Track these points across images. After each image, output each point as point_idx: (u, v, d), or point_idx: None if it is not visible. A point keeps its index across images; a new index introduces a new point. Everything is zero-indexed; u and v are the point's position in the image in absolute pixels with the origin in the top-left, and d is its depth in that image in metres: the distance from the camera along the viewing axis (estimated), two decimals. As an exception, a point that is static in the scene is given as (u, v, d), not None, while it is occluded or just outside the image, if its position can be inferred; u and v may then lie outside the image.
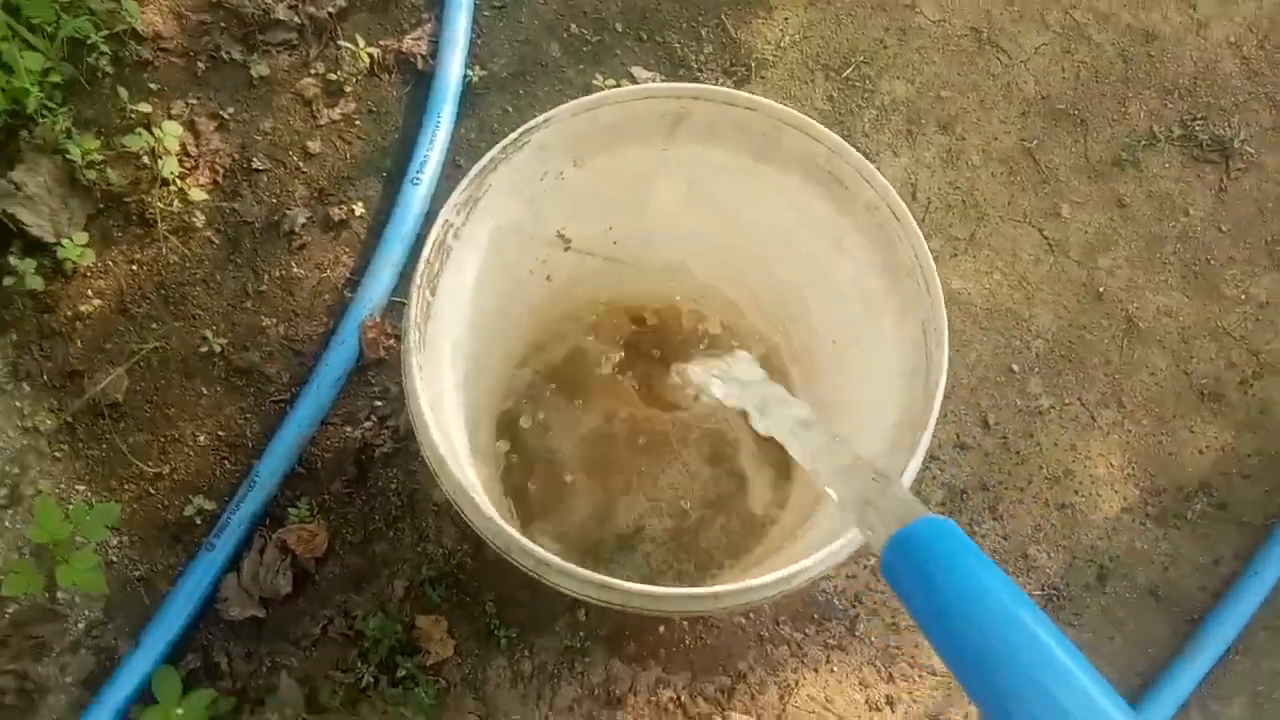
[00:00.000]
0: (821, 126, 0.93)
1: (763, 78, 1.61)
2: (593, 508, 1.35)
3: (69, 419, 1.40)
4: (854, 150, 0.93)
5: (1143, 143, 1.63)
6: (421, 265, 0.87)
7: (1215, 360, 1.54)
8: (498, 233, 1.02)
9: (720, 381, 1.03)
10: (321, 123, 1.53)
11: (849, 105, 1.62)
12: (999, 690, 0.56)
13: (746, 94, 0.93)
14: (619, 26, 1.63)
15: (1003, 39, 1.67)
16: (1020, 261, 1.56)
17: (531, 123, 0.91)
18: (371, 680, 1.31)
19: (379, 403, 1.44)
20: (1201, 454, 1.50)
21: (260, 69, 1.55)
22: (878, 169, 1.54)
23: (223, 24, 1.57)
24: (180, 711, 1.25)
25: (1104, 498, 1.47)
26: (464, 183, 0.89)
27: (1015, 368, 1.51)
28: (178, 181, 1.47)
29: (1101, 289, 1.56)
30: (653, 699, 1.34)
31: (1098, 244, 1.58)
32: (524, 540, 0.82)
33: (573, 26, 1.63)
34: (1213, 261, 1.58)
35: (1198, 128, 1.64)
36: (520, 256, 1.13)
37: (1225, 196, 1.61)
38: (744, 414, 0.99)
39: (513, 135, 0.91)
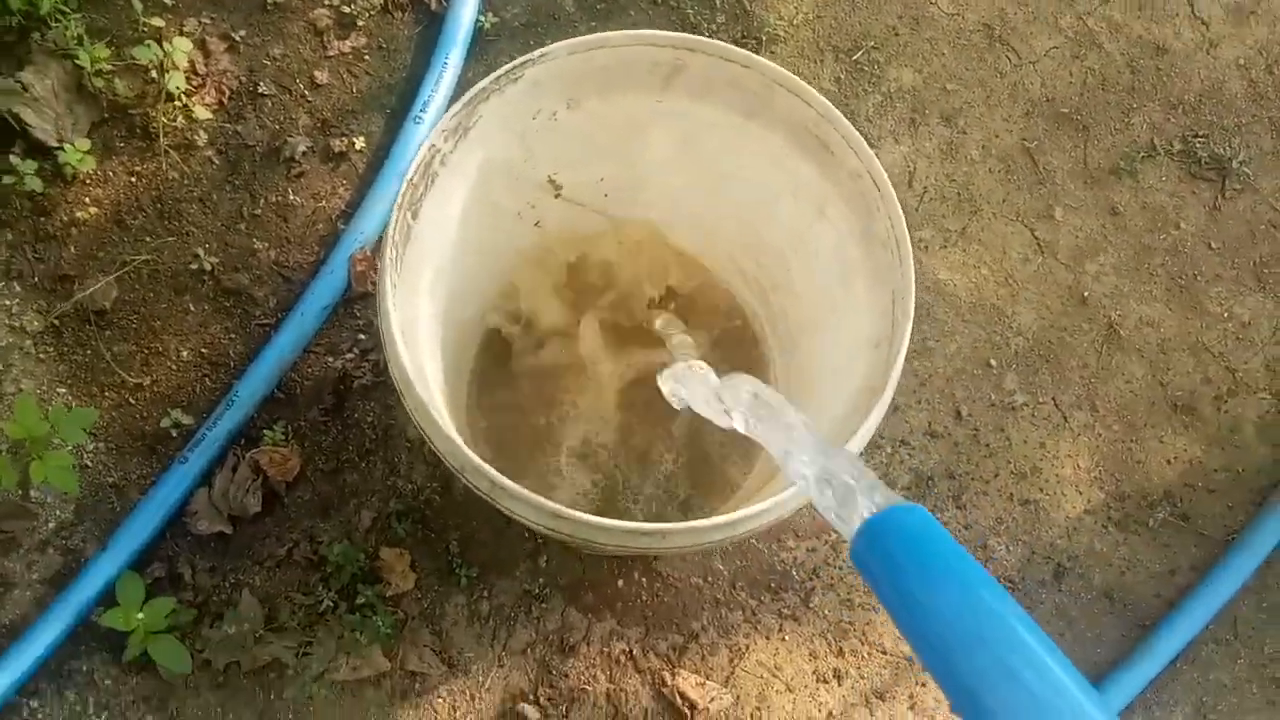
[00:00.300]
0: (813, 90, 0.95)
1: (772, 52, 1.62)
2: (567, 459, 1.36)
3: (56, 322, 1.41)
4: (842, 117, 0.94)
5: (1142, 154, 1.64)
6: (404, 186, 0.88)
7: (1192, 374, 1.55)
8: (487, 167, 1.03)
9: (690, 390, 1.01)
10: (331, 54, 1.55)
11: (855, 88, 1.63)
12: (968, 677, 0.56)
13: (743, 50, 0.95)
14: (636, -11, 1.64)
15: (1014, 38, 1.68)
16: (1009, 259, 1.58)
17: (527, 56, 0.92)
18: (331, 605, 1.33)
19: (362, 336, 1.45)
20: (1169, 464, 1.52)
21: (276, -6, 1.56)
22: (877, 155, 1.56)
23: (243, -52, 1.58)
24: (141, 616, 1.26)
25: (1068, 497, 1.49)
26: (454, 108, 0.90)
27: (993, 362, 1.53)
28: (183, 98, 1.48)
29: (1086, 293, 1.57)
30: (605, 650, 1.37)
31: (1087, 249, 1.59)
32: (479, 461, 0.84)
33: (590, -16, 1.64)
34: (1199, 277, 1.60)
35: (1198, 144, 1.65)
36: (509, 198, 1.15)
37: (1218, 215, 1.63)
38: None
39: (507, 66, 0.92)
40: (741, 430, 0.86)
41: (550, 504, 0.83)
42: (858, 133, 0.94)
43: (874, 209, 0.96)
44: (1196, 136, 1.66)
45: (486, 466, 0.84)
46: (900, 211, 0.92)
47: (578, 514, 0.83)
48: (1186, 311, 1.58)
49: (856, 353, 1.01)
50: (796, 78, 0.94)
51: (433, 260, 1.01)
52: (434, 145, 0.91)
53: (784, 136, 1.02)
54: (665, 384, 1.05)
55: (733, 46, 0.95)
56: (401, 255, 0.91)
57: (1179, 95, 1.68)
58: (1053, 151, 1.63)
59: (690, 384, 0.99)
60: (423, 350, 1.03)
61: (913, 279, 0.91)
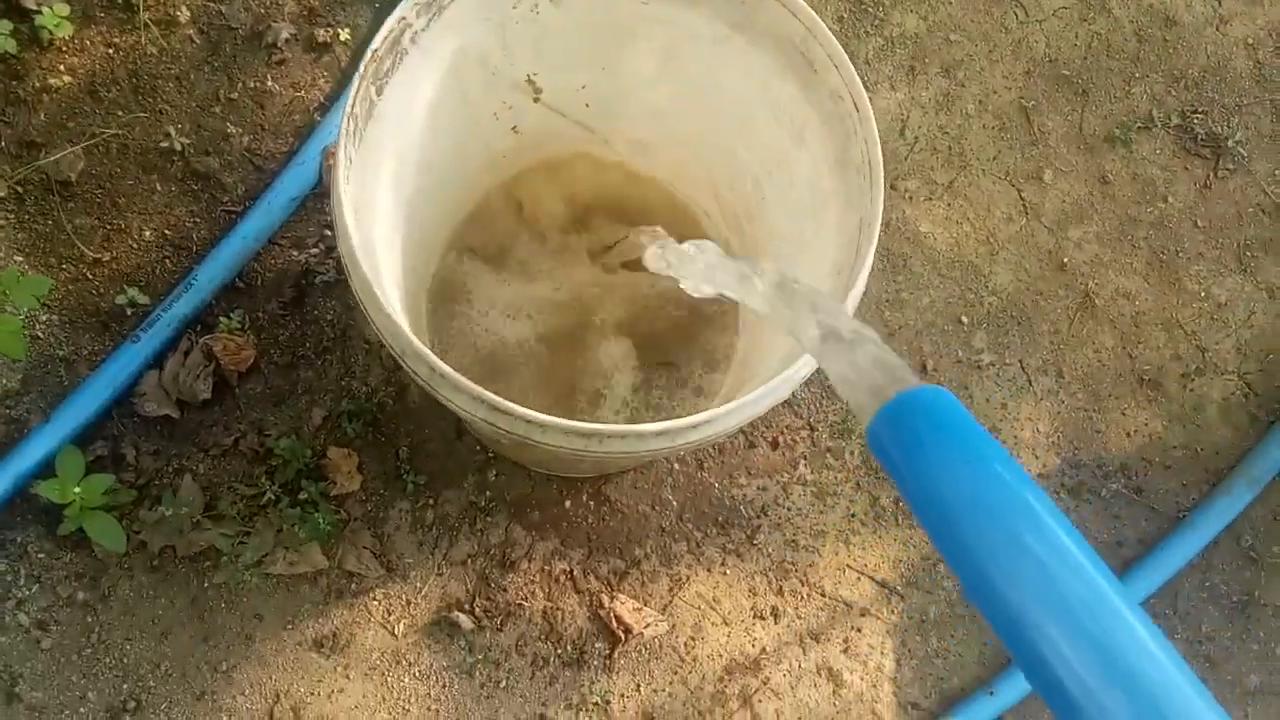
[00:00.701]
0: (802, 2, 0.92)
1: (775, -16, 1.58)
2: (539, 375, 1.34)
3: (18, 188, 1.38)
4: (829, 33, 0.91)
5: (1139, 124, 1.62)
6: (368, 57, 0.85)
7: (1162, 350, 1.54)
8: (461, 56, 1.00)
9: (690, 263, 0.98)
10: (323, -59, 1.50)
11: (857, 29, 1.60)
12: (992, 566, 0.54)
13: (731, -45, 0.92)
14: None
15: (1023, -6, 1.65)
16: (992, 218, 1.56)
17: (509, -62, 0.89)
18: (273, 499, 1.32)
19: (328, 231, 1.42)
20: (1129, 437, 1.51)
21: (272, -124, 1.51)
22: (872, 100, 1.53)
23: None
24: (78, 490, 1.25)
25: (1023, 460, 1.48)
26: (428, -19, 0.87)
27: (964, 319, 1.51)
28: (167, -29, 1.44)
29: (1066, 260, 1.55)
30: (546, 568, 1.36)
31: (1072, 215, 1.57)
32: (420, 346, 0.82)
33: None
34: (1181, 254, 1.58)
35: (1196, 120, 1.63)
36: (485, 96, 1.12)
37: (1208, 193, 1.61)
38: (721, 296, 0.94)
39: (487, -55, 0.89)
40: (760, 306, 0.82)
41: (489, 395, 0.82)
42: (842, 50, 0.91)
43: (851, 133, 0.94)
44: (1196, 112, 1.64)
45: (427, 351, 0.82)
46: (876, 135, 0.90)
47: (514, 407, 0.81)
48: (1164, 287, 1.57)
49: (822, 280, 0.99)
50: (784, -13, 0.92)
51: (396, 146, 0.98)
52: (404, 18, 0.88)
53: (769, 52, 1.00)
54: (658, 258, 1.01)
55: (722, -52, 0.92)
56: (361, 130, 0.88)
57: (1183, 69, 1.65)
58: (1049, 113, 1.61)
59: (699, 260, 0.94)
60: (378, 239, 1.00)
61: (881, 204, 0.89)
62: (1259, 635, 1.46)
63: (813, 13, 0.91)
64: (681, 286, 0.98)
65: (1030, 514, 0.54)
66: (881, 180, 0.89)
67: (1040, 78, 1.62)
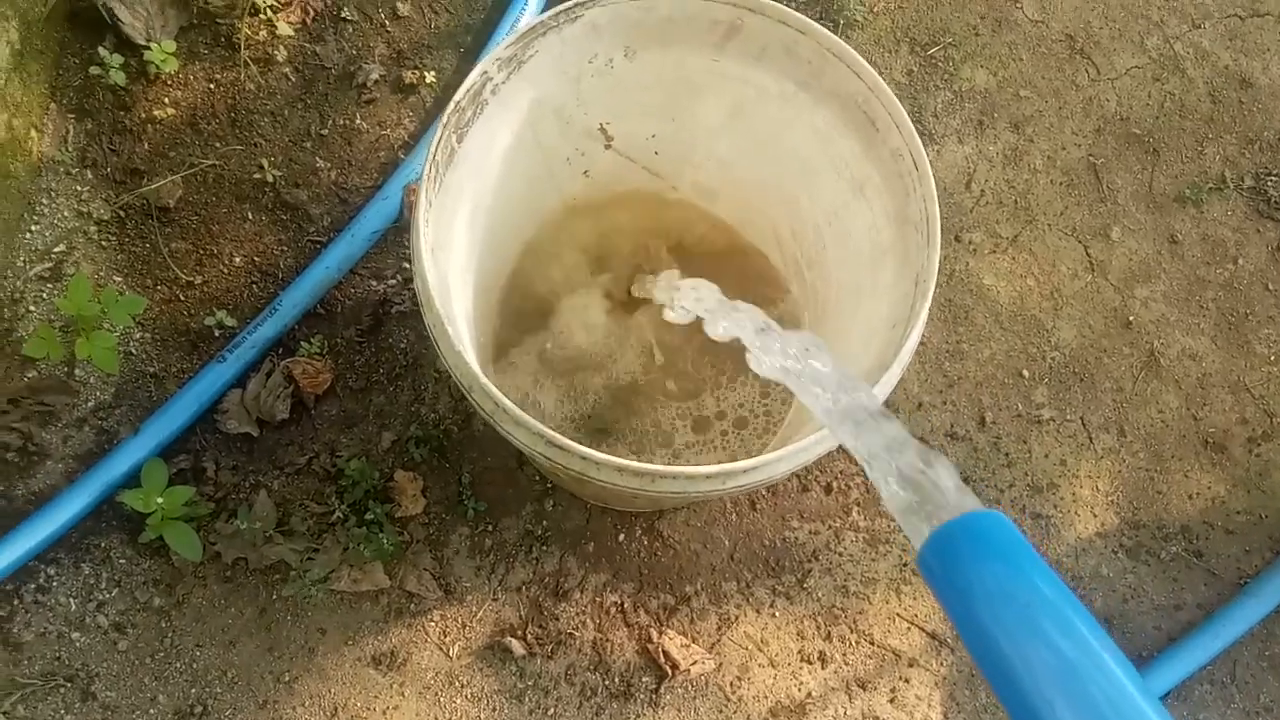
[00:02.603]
0: (864, 62, 0.95)
1: (848, 37, 1.62)
2: (597, 408, 1.38)
3: (121, 212, 1.47)
4: (890, 92, 0.94)
5: (1210, 185, 1.61)
6: (450, 108, 0.91)
7: (1228, 413, 1.53)
8: (538, 106, 1.05)
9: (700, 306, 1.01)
10: (415, -12, 1.58)
11: (927, 83, 1.62)
12: (1042, 710, 0.50)
13: (800, 15, 0.95)
14: (720, -41, 1.65)
15: (1096, 52, 1.66)
16: (1057, 273, 1.56)
17: (588, -2, 0.94)
18: (341, 517, 1.37)
19: (407, 264, 1.49)
20: (1190, 500, 1.50)
21: (370, -74, 1.60)
22: (939, 153, 1.55)
23: (345, -124, 1.62)
24: (160, 500, 1.32)
25: (1081, 518, 1.47)
26: (510, 38, 0.93)
27: (1025, 373, 1.51)
28: (269, 14, 1.53)
29: (1132, 318, 1.55)
30: (598, 599, 1.39)
31: (1139, 273, 1.57)
32: (486, 382, 0.86)
33: (676, -50, 1.65)
34: (1251, 317, 1.57)
35: (1270, 184, 1.62)
36: (559, 143, 1.17)
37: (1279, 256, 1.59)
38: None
39: (567, 4, 0.94)
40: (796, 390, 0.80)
41: (548, 431, 0.86)
42: (903, 110, 0.94)
43: (910, 190, 0.97)
44: (1270, 175, 1.62)
45: (492, 387, 0.87)
46: (934, 193, 0.92)
47: (571, 444, 0.85)
48: (1233, 349, 1.55)
49: (874, 334, 1.01)
50: (850, 48, 0.95)
51: (473, 190, 1.04)
52: (486, 72, 0.93)
53: (833, 110, 1.03)
54: (689, 307, 1.04)
55: (790, 10, 0.96)
56: (441, 176, 0.93)
57: (1258, 131, 1.65)
58: (1118, 171, 1.61)
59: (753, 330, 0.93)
60: (452, 277, 1.05)
61: (936, 261, 0.91)
62: (1321, 709, 1.43)
63: (875, 74, 0.95)
64: (705, 329, 1.02)
65: (1095, 667, 0.50)
66: (939, 238, 0.92)
67: (1110, 135, 1.62)
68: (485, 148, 1.02)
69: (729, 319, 0.96)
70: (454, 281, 1.04)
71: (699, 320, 1.04)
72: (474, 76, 0.92)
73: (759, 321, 0.88)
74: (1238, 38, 1.69)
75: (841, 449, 1.44)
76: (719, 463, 0.88)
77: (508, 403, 0.87)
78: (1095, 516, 1.47)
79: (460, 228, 1.06)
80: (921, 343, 1.50)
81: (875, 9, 1.64)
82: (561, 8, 0.94)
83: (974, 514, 0.57)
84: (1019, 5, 1.67)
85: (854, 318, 1.10)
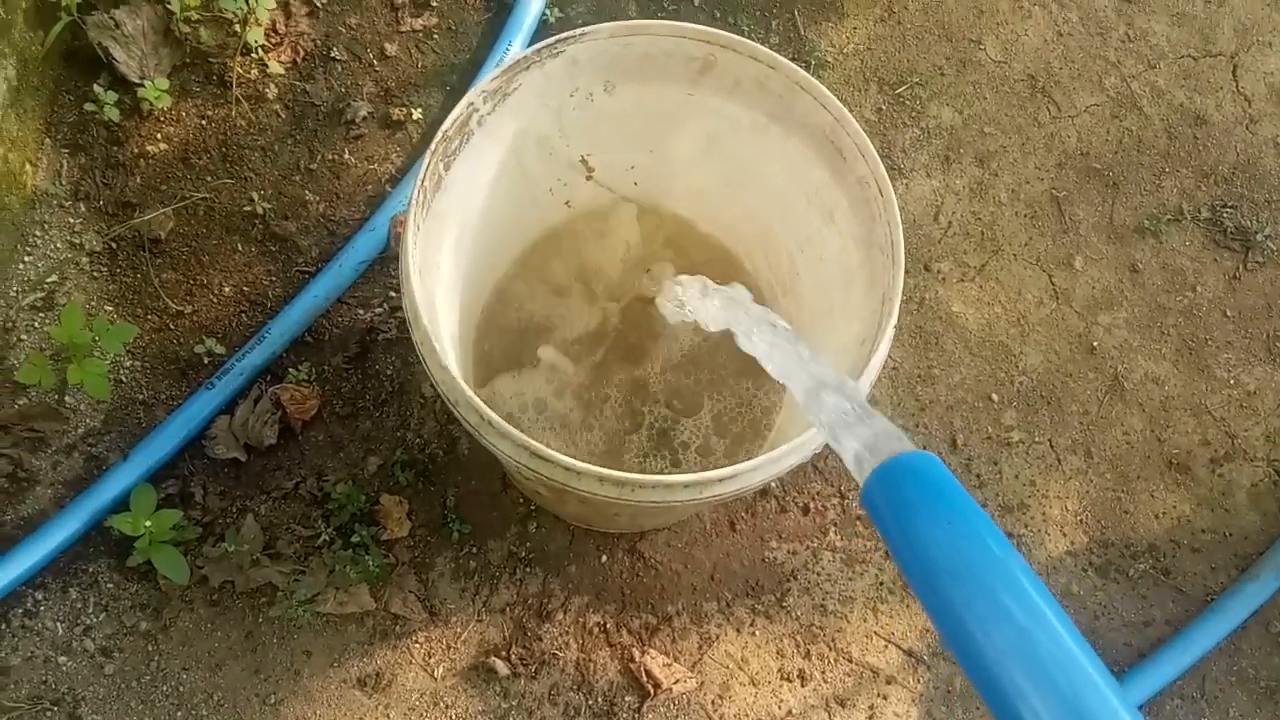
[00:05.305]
0: (830, 94, 1.00)
1: (820, 76, 1.68)
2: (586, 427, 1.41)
3: (113, 243, 1.51)
4: (855, 123, 1.00)
5: (1169, 217, 1.68)
6: (438, 137, 0.95)
7: (1191, 435, 1.58)
8: (522, 137, 1.10)
9: (704, 299, 1.07)
10: (403, 29, 1.64)
11: (895, 120, 1.69)
12: (963, 613, 0.59)
13: (769, 51, 1.01)
14: (697, 0, 1.71)
15: (1056, 91, 1.73)
16: (1023, 301, 1.62)
17: (570, 33, 0.99)
18: (328, 540, 1.40)
19: (393, 293, 1.53)
20: (1157, 519, 1.54)
21: (359, -31, 1.66)
22: (907, 186, 1.61)
23: (334, -78, 1.69)
24: (149, 524, 1.34)
25: (1051, 537, 1.51)
26: (495, 71, 0.97)
27: (995, 397, 1.56)
28: (260, 53, 1.58)
29: (1096, 344, 1.60)
30: (581, 620, 1.42)
31: (1102, 301, 1.63)
32: (472, 395, 0.90)
33: (654, -6, 1.72)
34: (1210, 342, 1.62)
35: (1226, 215, 1.68)
36: (542, 173, 1.22)
37: (1237, 284, 1.65)
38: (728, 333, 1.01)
39: (549, 40, 0.99)
40: (762, 359, 0.89)
41: (532, 443, 0.89)
42: (868, 140, 0.99)
43: (876, 216, 1.02)
44: (1225, 206, 1.69)
45: (478, 400, 0.90)
46: (898, 218, 0.97)
47: (554, 454, 0.88)
48: (1193, 373, 1.61)
49: (845, 351, 1.06)
50: (816, 82, 1.00)
51: (459, 215, 1.08)
52: (472, 103, 0.98)
53: (803, 140, 1.08)
54: (674, 298, 1.10)
55: (760, 47, 1.01)
56: (429, 201, 0.98)
57: (1213, 165, 1.72)
58: (1080, 203, 1.67)
59: (718, 305, 1.02)
60: (438, 297, 1.09)
61: (901, 281, 0.96)
62: (1288, 723, 1.47)
63: (841, 106, 1.00)
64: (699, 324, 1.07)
65: (1010, 578, 0.59)
66: (902, 259, 0.97)
67: (1072, 170, 1.69)
68: (471, 175, 1.07)
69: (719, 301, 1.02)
70: (440, 304, 1.08)
71: (677, 341, 1.09)
72: (461, 107, 0.97)
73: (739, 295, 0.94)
74: (1191, 77, 1.77)
75: (812, 462, 1.47)
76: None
77: (493, 415, 0.90)
78: (1065, 535, 1.52)
79: (447, 250, 1.10)
80: (893, 368, 1.55)
81: (845, 50, 1.71)
82: (544, 43, 1.00)
83: (913, 453, 0.67)
84: (982, 47, 1.74)
85: (828, 338, 1.15)
